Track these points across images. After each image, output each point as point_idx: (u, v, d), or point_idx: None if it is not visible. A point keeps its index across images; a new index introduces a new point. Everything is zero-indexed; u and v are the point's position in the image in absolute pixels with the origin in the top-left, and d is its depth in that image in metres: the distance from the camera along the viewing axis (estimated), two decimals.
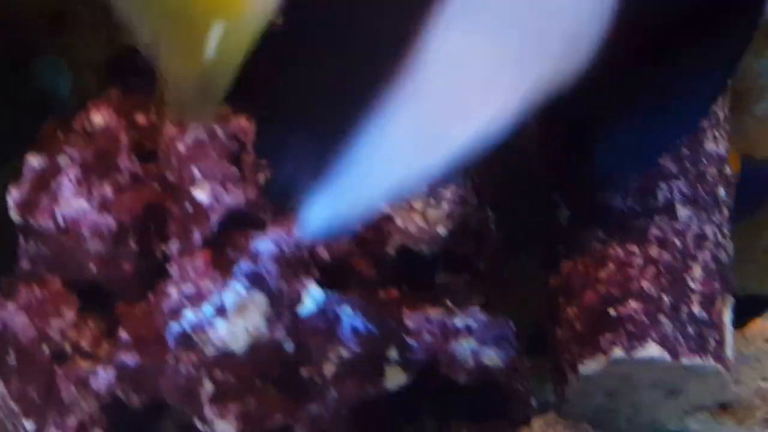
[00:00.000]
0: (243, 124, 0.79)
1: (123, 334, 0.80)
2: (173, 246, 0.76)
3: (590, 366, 0.94)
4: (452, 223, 0.77)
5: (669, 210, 0.95)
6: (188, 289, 0.75)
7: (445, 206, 0.77)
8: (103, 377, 0.79)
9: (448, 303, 0.82)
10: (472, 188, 0.92)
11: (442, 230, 0.77)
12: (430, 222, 0.77)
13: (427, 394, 0.85)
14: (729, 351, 0.95)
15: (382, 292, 0.81)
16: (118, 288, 0.82)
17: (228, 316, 0.73)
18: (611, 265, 0.94)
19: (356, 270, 0.79)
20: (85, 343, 0.83)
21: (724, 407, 1.15)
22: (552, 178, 1.00)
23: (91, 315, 0.83)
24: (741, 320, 1.29)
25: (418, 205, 0.77)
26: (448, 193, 0.77)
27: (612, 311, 0.93)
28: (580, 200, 0.98)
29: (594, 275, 0.95)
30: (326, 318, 0.75)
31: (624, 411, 0.99)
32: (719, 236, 0.96)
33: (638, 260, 0.94)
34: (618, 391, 0.97)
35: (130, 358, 0.78)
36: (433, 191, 0.76)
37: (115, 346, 0.80)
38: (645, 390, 0.96)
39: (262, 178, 0.79)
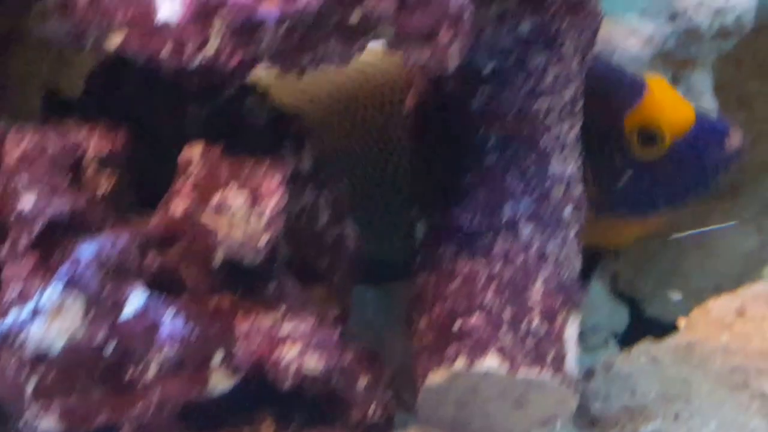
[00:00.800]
0: (81, 137, 0.83)
1: None
2: (3, 251, 0.80)
3: (436, 376, 0.95)
4: (274, 235, 0.81)
5: (513, 227, 0.97)
6: (14, 291, 0.79)
7: (266, 218, 0.80)
8: None
9: (280, 311, 0.85)
10: (326, 202, 0.96)
11: (263, 241, 0.80)
12: (250, 233, 0.81)
13: (266, 398, 0.88)
14: (571, 364, 0.97)
15: (215, 299, 0.84)
16: None
17: (44, 317, 0.77)
18: (458, 280, 0.96)
19: (186, 278, 0.83)
20: None
21: (592, 422, 1.18)
22: (413, 194, 1.04)
23: None
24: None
25: (238, 216, 0.81)
26: (270, 205, 0.81)
27: (457, 324, 0.95)
28: (433, 217, 1.01)
29: (443, 289, 0.97)
30: (146, 322, 0.78)
31: (477, 421, 1.01)
32: (563, 253, 0.99)
33: (483, 275, 0.95)
34: (468, 401, 0.98)
35: None
36: (253, 201, 0.80)
37: None
38: (493, 401, 0.97)
39: (102, 188, 0.83)
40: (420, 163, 1.00)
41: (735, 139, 1.06)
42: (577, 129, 1.00)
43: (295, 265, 0.92)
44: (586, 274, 1.09)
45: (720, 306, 1.28)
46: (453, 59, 0.78)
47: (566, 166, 0.98)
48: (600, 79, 1.05)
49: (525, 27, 0.98)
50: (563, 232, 0.96)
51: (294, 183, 0.90)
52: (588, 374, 1.20)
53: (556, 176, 0.97)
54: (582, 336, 1.42)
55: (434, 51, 0.77)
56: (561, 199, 0.97)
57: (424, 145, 1.00)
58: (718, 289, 1.45)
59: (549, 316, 0.95)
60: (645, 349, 1.23)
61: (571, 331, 0.96)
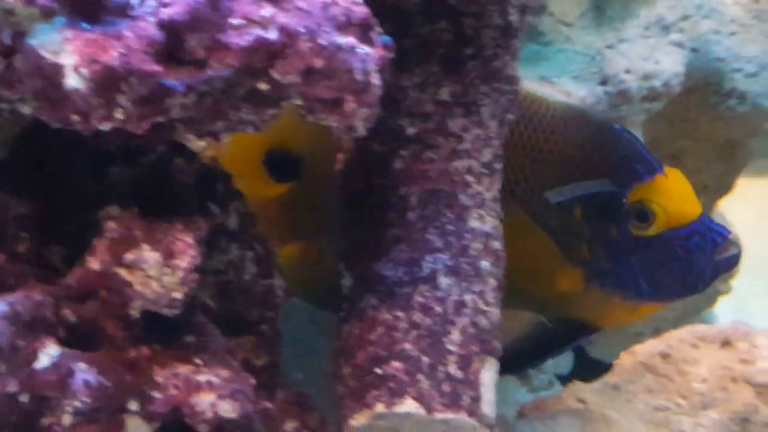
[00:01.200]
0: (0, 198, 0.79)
1: None
2: None
3: (359, 419, 0.92)
4: (189, 290, 0.77)
5: (432, 280, 0.94)
6: None
7: (180, 274, 0.77)
8: None
9: (198, 360, 0.81)
10: (253, 257, 0.93)
11: (178, 295, 0.77)
12: (165, 288, 0.77)
13: None
14: (486, 407, 0.94)
15: (134, 350, 0.80)
16: None
17: None
18: (380, 329, 0.94)
19: (104, 331, 0.79)
20: None
21: None
22: (340, 249, 1.01)
23: None
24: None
25: (153, 271, 0.77)
26: (183, 262, 0.77)
27: (378, 370, 0.92)
28: (358, 270, 0.98)
29: (366, 338, 0.94)
30: (61, 372, 0.75)
31: None
32: (480, 303, 0.95)
33: (403, 324, 0.93)
34: None
35: None
36: (166, 258, 0.77)
37: None
38: None
39: (21, 247, 0.80)
40: (346, 219, 0.96)
41: (729, 250, 1.02)
42: (495, 188, 0.97)
43: (224, 316, 0.90)
44: (562, 342, 1.11)
45: (646, 349, 1.23)
46: (360, 126, 0.76)
47: (484, 222, 0.96)
48: (621, 149, 1.03)
49: (445, 93, 0.95)
50: (480, 284, 0.94)
51: (219, 239, 0.87)
52: (519, 415, 1.16)
53: (474, 232, 0.95)
54: (527, 378, 1.39)
55: (341, 118, 0.74)
56: (479, 254, 0.95)
57: (351, 202, 0.97)
58: (656, 332, 1.42)
59: (465, 362, 0.93)
60: (573, 390, 1.18)
61: (486, 377, 0.94)
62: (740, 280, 1.63)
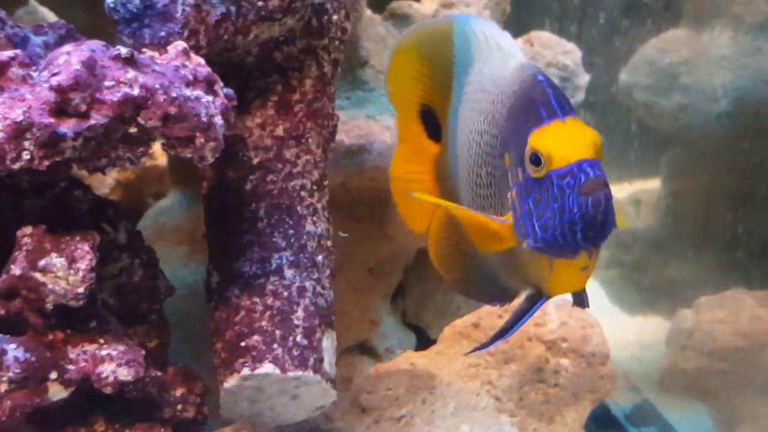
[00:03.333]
0: None
1: None
2: None
3: (230, 381, 1.06)
4: (89, 285, 0.92)
5: (279, 272, 1.09)
6: None
7: (81, 274, 0.92)
8: None
9: (101, 340, 0.96)
10: (140, 263, 1.08)
11: (81, 290, 0.91)
12: (71, 285, 0.92)
13: (99, 405, 0.98)
14: (327, 366, 1.09)
15: (51, 334, 0.95)
16: None
17: None
18: (242, 312, 1.08)
19: (27, 320, 0.93)
20: None
21: (362, 410, 1.29)
22: (209, 254, 1.16)
23: None
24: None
25: (60, 273, 0.92)
26: (83, 265, 0.92)
27: (243, 343, 1.06)
28: (223, 269, 1.13)
29: (232, 320, 1.08)
30: None
31: (266, 412, 1.12)
32: (318, 288, 1.10)
33: (259, 307, 1.07)
34: (257, 399, 1.09)
35: None
36: (70, 262, 0.92)
37: None
38: (275, 397, 1.08)
39: None
40: (212, 231, 1.11)
41: (596, 189, 0.88)
42: (325, 199, 1.12)
43: (121, 310, 1.02)
44: (523, 313, 1.03)
45: (462, 322, 1.38)
46: (209, 155, 0.90)
47: (317, 226, 1.10)
48: (535, 94, 0.94)
49: (280, 130, 1.09)
50: (317, 273, 1.08)
51: (111, 250, 1.01)
52: (365, 378, 1.30)
53: (310, 234, 1.09)
54: (379, 358, 1.52)
55: (194, 150, 0.89)
56: (315, 250, 1.09)
57: (214, 218, 1.11)
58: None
59: (309, 333, 1.06)
60: (406, 357, 1.33)
61: (326, 343, 1.07)
62: None
